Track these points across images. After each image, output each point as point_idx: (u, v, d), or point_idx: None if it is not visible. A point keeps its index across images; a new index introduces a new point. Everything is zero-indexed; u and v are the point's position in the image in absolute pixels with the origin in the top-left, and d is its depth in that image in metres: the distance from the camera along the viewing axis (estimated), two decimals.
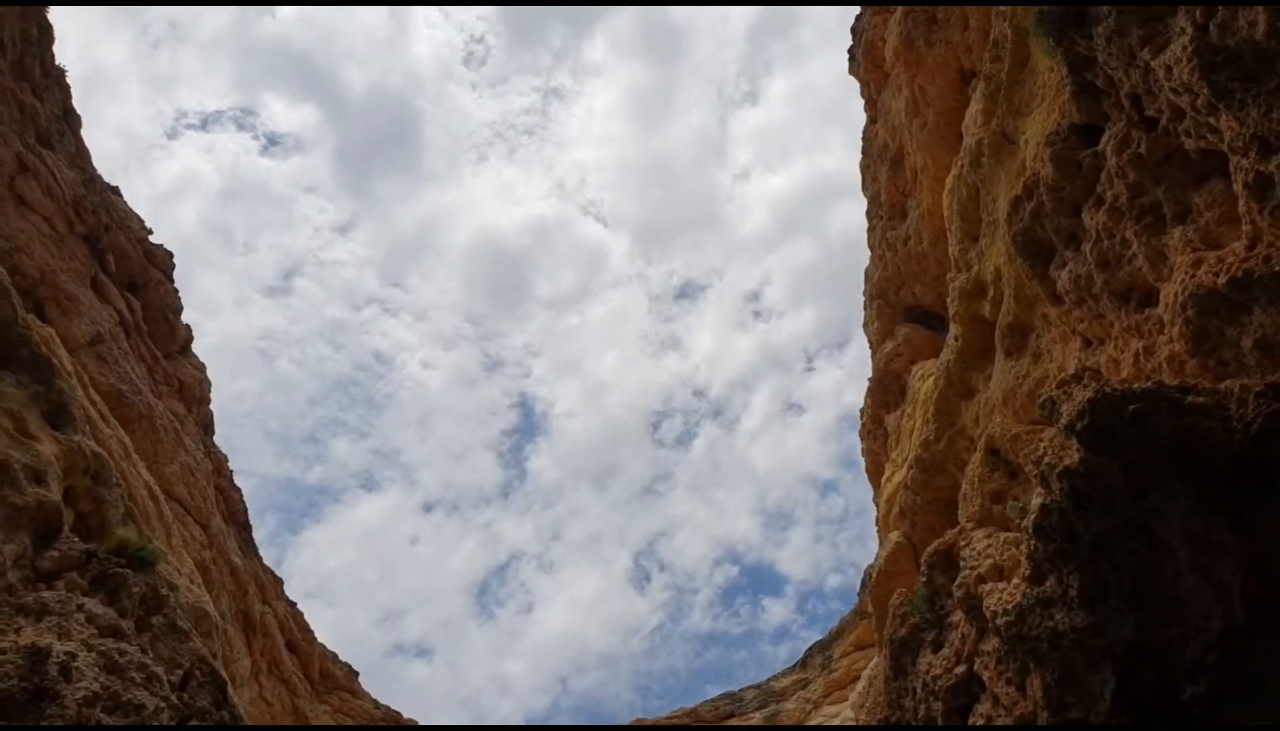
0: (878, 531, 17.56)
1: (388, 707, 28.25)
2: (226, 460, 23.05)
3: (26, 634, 11.79)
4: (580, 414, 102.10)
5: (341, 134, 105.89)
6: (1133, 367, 9.99)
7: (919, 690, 12.66)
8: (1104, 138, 10.21)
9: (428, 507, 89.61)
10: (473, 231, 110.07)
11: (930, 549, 13.50)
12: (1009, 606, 11.05)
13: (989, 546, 12.38)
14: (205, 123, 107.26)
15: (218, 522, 21.13)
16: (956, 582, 12.87)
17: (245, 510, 23.45)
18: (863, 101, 19.02)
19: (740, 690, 29.46)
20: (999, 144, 12.77)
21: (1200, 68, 8.05)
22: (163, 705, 11.26)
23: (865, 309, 19.38)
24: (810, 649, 28.41)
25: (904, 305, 18.18)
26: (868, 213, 19.48)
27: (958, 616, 12.86)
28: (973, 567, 12.49)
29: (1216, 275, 8.37)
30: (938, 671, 12.33)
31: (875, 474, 18.56)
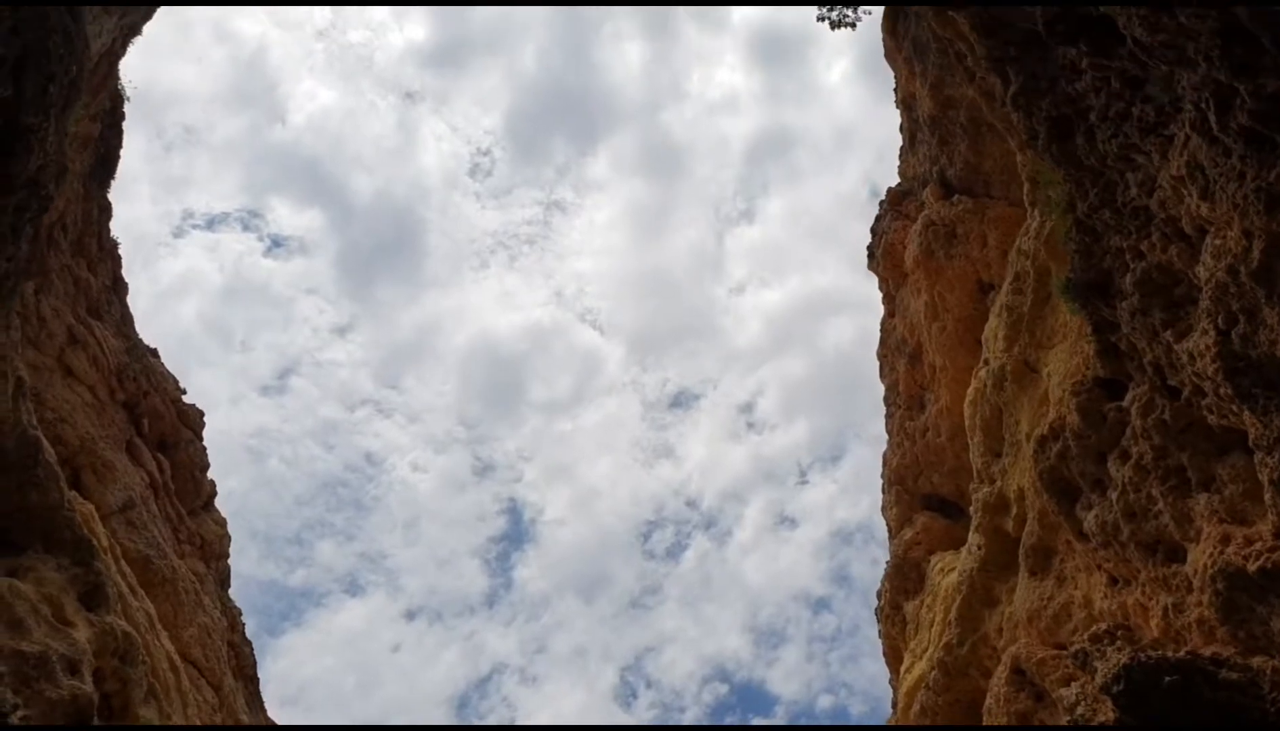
0: (896, 723, 17.57)
1: None
2: (240, 613, 23.03)
3: None
4: (570, 521, 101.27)
5: (345, 238, 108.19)
6: (1161, 622, 10.34)
7: None
8: (1128, 396, 10.81)
9: (410, 615, 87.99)
10: (471, 335, 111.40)
11: None
12: None
13: None
14: (211, 223, 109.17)
15: (229, 682, 21.01)
16: None
17: (254, 663, 23.28)
18: (880, 294, 19.94)
19: None
20: (1021, 371, 13.42)
21: (1224, 370, 8.68)
22: None
23: (884, 492, 19.87)
24: None
25: (922, 492, 18.66)
26: (885, 399, 20.16)
27: None
28: None
29: (1246, 559, 8.82)
30: None
31: (893, 659, 18.68)
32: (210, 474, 23.37)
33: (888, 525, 19.62)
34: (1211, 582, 9.34)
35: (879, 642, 20.22)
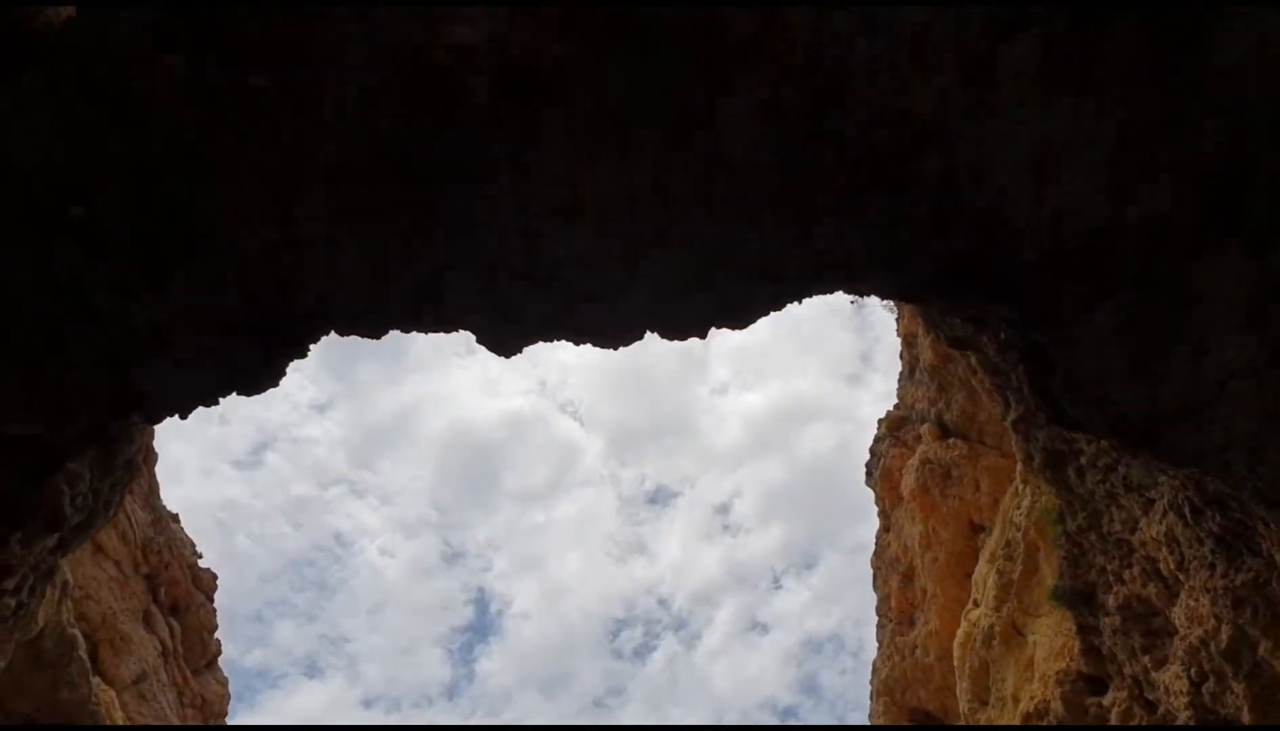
0: None
1: None
2: None
3: None
4: (536, 615, 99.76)
5: None
6: None
7: None
8: (1109, 696, 11.81)
9: (368, 702, 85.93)
10: (450, 420, 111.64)
11: None
12: None
13: None
14: None
15: None
16: None
17: None
18: (876, 509, 21.12)
19: None
20: (1009, 634, 14.42)
21: (1196, 718, 9.70)
22: None
23: (872, 700, 20.68)
24: None
25: (910, 706, 19.45)
26: (877, 609, 21.14)
27: None
28: None
29: None
30: None
31: None
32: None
33: None
34: None
35: None
